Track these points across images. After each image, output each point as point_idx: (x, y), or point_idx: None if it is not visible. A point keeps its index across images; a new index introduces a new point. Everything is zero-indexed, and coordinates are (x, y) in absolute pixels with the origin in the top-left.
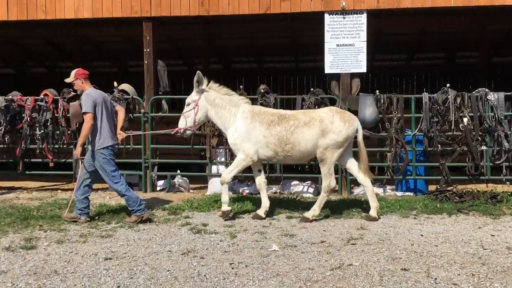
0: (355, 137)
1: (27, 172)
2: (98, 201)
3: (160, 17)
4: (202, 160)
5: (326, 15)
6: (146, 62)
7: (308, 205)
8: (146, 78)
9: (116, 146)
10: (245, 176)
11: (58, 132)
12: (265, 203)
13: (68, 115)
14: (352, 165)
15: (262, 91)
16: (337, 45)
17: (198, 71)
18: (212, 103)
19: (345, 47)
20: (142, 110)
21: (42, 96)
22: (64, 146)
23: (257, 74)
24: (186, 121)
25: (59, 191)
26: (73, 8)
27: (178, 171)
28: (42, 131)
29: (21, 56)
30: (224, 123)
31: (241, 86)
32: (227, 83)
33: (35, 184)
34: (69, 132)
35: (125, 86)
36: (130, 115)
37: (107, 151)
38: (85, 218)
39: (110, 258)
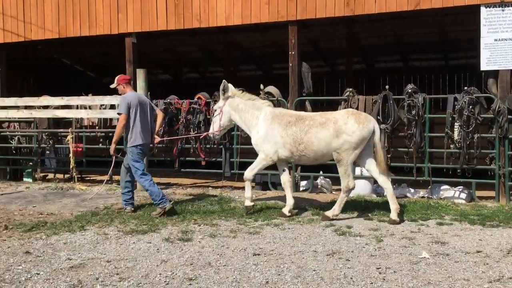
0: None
1: (182, 170)
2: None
3: (304, 20)
4: None
5: (483, 8)
6: (290, 64)
7: (460, 212)
8: (291, 80)
9: (149, 145)
10: (394, 179)
11: None
12: (289, 202)
13: None
14: (372, 167)
15: (409, 90)
16: (495, 40)
17: (224, 80)
18: (236, 108)
19: (505, 41)
20: None
21: (196, 99)
22: (215, 146)
23: (402, 73)
24: (214, 126)
25: (210, 188)
26: (224, 16)
27: (321, 172)
28: (196, 131)
29: (177, 63)
30: (248, 126)
31: (386, 86)
32: (371, 83)
33: (189, 181)
34: None
35: (270, 88)
36: None
37: (136, 149)
38: (130, 208)
39: (258, 254)
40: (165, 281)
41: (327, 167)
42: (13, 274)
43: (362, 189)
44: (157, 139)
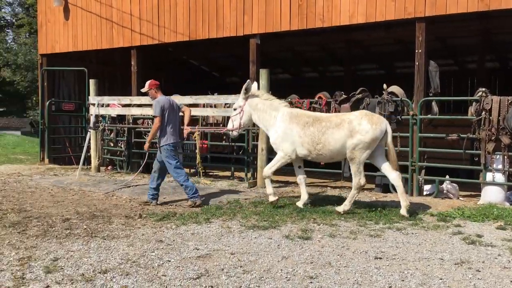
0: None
1: None
2: (365, 201)
3: (433, 17)
4: (475, 166)
5: None
6: (417, 63)
7: None
8: (416, 79)
9: (179, 141)
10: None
11: None
12: (304, 196)
13: None
14: (384, 165)
15: None
16: None
17: (248, 80)
18: (255, 108)
19: None
20: (411, 113)
21: (316, 99)
22: None
23: None
24: (233, 124)
25: (328, 188)
26: (348, 14)
27: (447, 176)
28: None
29: (297, 62)
30: (266, 125)
31: None
32: (505, 83)
33: (307, 180)
34: None
35: (394, 88)
36: (398, 117)
37: (169, 147)
38: (155, 202)
39: (380, 258)
40: (286, 277)
41: (452, 171)
42: (147, 259)
43: (494, 196)
44: (188, 129)
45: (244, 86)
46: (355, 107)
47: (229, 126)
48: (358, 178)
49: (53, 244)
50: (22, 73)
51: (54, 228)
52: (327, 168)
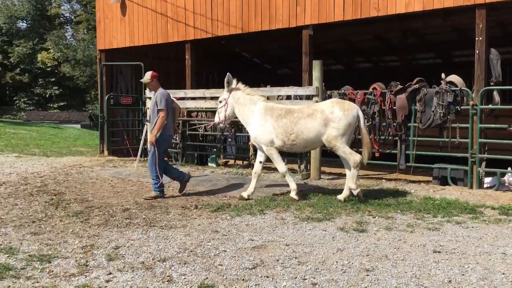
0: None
1: None
2: (422, 193)
3: (494, 3)
4: None
5: None
6: (477, 51)
7: None
8: (477, 68)
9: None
10: None
11: (384, 124)
12: (250, 189)
13: (394, 107)
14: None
15: None
16: None
17: (228, 73)
18: (237, 101)
19: None
20: (471, 102)
21: (371, 90)
22: (390, 137)
23: None
24: (219, 116)
25: (383, 180)
26: (404, 2)
27: (509, 169)
28: (370, 122)
29: (349, 52)
30: (245, 119)
31: None
32: None
33: (360, 172)
34: (394, 124)
35: (453, 78)
36: (457, 107)
37: (164, 140)
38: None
39: (439, 252)
40: (341, 269)
41: None
42: (203, 249)
43: None
44: (176, 129)
45: (225, 80)
46: (411, 97)
47: (216, 119)
48: (352, 157)
49: (114, 233)
50: (81, 68)
51: (114, 218)
52: (382, 160)
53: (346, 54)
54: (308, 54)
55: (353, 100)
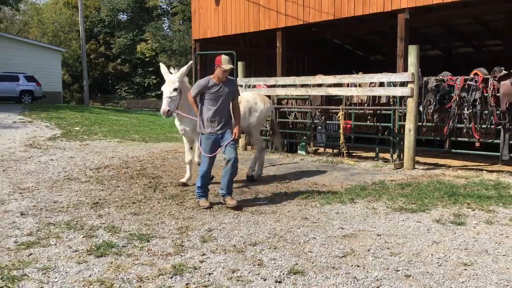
0: None
1: (452, 150)
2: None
3: None
4: None
5: None
6: None
7: None
8: None
9: None
10: None
11: (486, 112)
12: (187, 175)
13: (497, 94)
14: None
15: None
16: None
17: (190, 61)
18: (184, 90)
19: None
20: None
21: (472, 76)
22: (492, 126)
23: None
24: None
25: (484, 171)
26: None
27: None
28: (470, 110)
29: (448, 37)
30: (187, 109)
31: None
32: None
33: (458, 163)
34: (497, 112)
35: None
36: None
37: None
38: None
39: None
40: (437, 262)
41: None
42: (293, 235)
43: None
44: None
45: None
46: None
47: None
48: (260, 144)
49: (207, 216)
50: (177, 58)
51: None
52: (483, 150)
53: (444, 38)
54: (403, 39)
55: (451, 87)
